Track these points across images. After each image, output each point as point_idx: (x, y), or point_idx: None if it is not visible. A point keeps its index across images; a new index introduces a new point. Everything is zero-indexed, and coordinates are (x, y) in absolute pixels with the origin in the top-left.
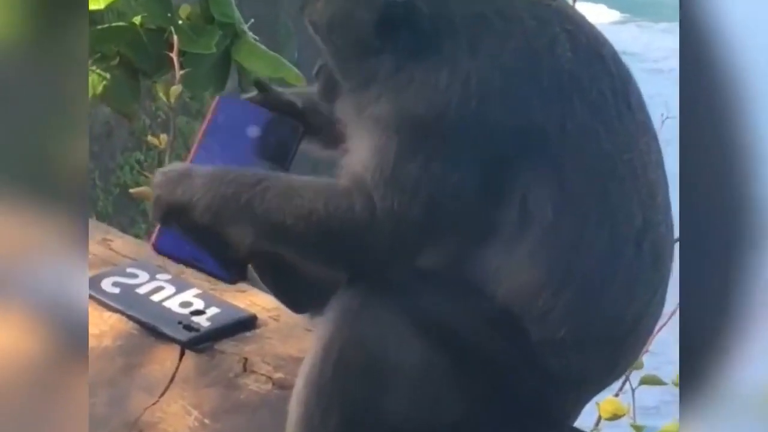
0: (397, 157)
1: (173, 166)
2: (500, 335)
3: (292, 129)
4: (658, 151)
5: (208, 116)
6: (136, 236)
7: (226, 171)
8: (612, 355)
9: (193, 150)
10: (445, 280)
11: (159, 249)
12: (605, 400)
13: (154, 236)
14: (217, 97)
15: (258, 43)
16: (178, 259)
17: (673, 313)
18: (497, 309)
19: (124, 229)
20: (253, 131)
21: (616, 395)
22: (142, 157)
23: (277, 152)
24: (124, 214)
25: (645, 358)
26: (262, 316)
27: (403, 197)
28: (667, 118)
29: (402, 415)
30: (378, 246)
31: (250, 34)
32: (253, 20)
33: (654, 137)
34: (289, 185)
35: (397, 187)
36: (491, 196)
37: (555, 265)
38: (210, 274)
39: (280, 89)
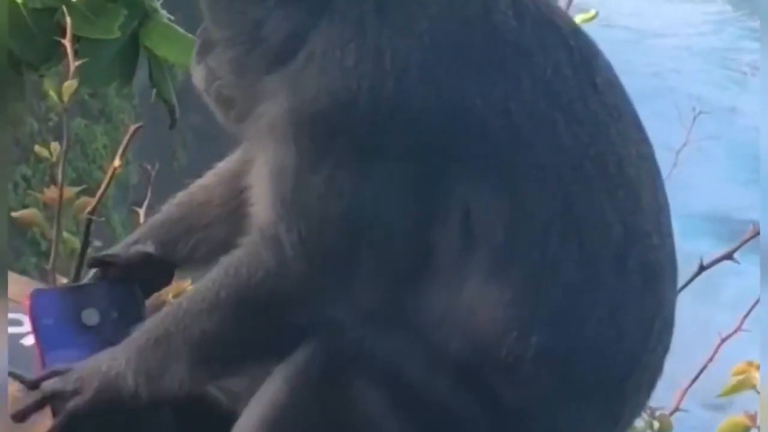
0: (297, 174)
1: (88, 366)
2: (466, 396)
3: (134, 296)
4: (641, 141)
5: (31, 317)
6: (23, 272)
7: (139, 331)
8: (609, 406)
9: (38, 357)
10: (391, 324)
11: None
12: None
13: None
14: (30, 293)
15: (173, 25)
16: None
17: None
18: (454, 362)
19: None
20: (90, 318)
21: None
22: (29, 172)
23: (128, 322)
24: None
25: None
26: None
27: (310, 223)
28: (700, 113)
29: None
30: (293, 292)
31: (163, 12)
32: None
33: (632, 123)
34: (195, 290)
35: (302, 213)
36: (421, 212)
37: (515, 299)
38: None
39: (121, 249)
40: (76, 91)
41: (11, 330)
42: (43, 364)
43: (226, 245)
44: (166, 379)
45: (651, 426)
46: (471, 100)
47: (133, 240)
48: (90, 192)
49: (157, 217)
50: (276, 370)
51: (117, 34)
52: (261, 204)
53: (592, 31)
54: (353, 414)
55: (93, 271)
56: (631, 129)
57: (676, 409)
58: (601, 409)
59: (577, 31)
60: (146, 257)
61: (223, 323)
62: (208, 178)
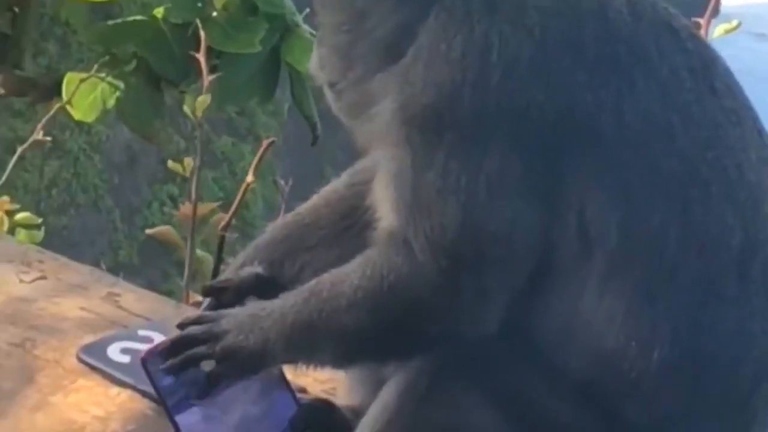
0: (413, 173)
1: (234, 313)
2: (588, 414)
3: None
4: (762, 146)
5: (150, 382)
6: (169, 294)
7: (282, 302)
8: (738, 421)
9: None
10: (510, 339)
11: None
12: None
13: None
14: (141, 359)
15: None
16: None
17: None
18: (574, 379)
19: (153, 285)
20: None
21: None
22: (176, 191)
23: None
24: (154, 266)
25: None
26: (313, 389)
27: (432, 223)
28: None
29: None
30: (428, 297)
31: (305, 27)
32: (308, 10)
33: (753, 128)
34: (333, 281)
35: (424, 213)
36: (539, 207)
37: (633, 308)
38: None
39: (231, 273)
40: (210, 106)
41: (142, 347)
42: (175, 427)
43: (332, 267)
44: (311, 362)
45: None
46: (581, 96)
47: (241, 262)
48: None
49: (263, 238)
50: (391, 378)
51: (258, 48)
52: (386, 208)
53: (745, 42)
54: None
55: (207, 300)
56: (752, 134)
57: None
58: (729, 425)
59: (694, 36)
60: (257, 278)
61: (359, 322)
62: (315, 200)
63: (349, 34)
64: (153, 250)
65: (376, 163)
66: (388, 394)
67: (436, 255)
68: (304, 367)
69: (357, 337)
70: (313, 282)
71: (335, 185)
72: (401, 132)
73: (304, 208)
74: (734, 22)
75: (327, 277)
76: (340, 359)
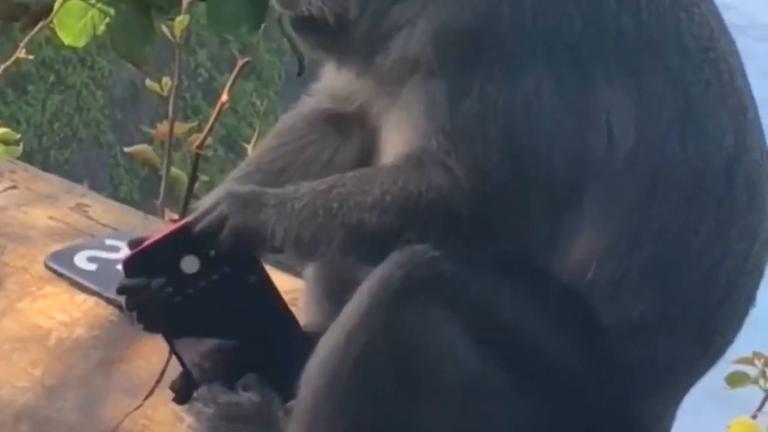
0: (450, 103)
1: (241, 189)
2: (566, 332)
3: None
4: (739, 57)
5: None
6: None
7: (296, 188)
8: (703, 330)
9: None
10: (508, 262)
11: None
12: (736, 421)
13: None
14: (123, 261)
15: None
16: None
17: None
18: (561, 294)
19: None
20: (190, 266)
21: (754, 417)
22: None
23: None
24: (155, 201)
25: None
26: None
27: (475, 149)
28: None
29: None
30: (468, 215)
31: None
32: None
33: (732, 38)
34: (358, 180)
35: (465, 140)
36: (575, 114)
37: (630, 206)
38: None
39: None
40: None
41: (108, 256)
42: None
43: None
44: (312, 247)
45: (764, 375)
46: (606, 0)
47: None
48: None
49: (234, 173)
50: (356, 292)
51: None
52: (417, 134)
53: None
54: (429, 341)
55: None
56: (732, 45)
57: None
58: (693, 335)
59: None
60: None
61: (382, 223)
62: (294, 119)
63: None
64: (155, 186)
65: (391, 94)
66: (354, 304)
67: (481, 179)
68: (296, 254)
69: (371, 232)
70: (332, 177)
71: (314, 102)
72: (434, 61)
73: (286, 128)
74: None
75: (350, 174)
76: (346, 248)
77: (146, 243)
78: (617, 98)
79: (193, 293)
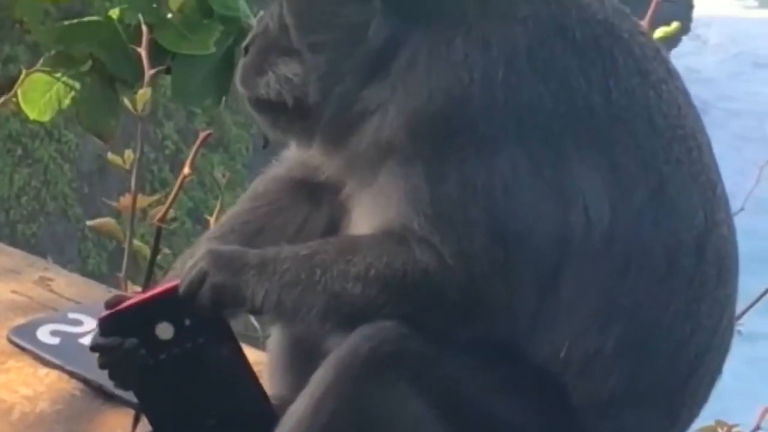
0: (429, 186)
1: (222, 247)
2: (535, 410)
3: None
4: (706, 133)
5: None
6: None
7: (277, 251)
8: (671, 403)
9: None
10: (479, 339)
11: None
12: None
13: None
14: (99, 319)
15: None
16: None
17: None
18: (531, 372)
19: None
20: (165, 332)
21: None
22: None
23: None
24: (118, 274)
25: None
26: None
27: (457, 231)
28: None
29: None
30: (454, 297)
31: None
32: (262, 13)
33: (698, 114)
34: (342, 249)
35: (446, 223)
36: (553, 194)
37: (605, 286)
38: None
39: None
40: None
41: (71, 329)
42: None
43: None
44: (293, 312)
45: None
46: (576, 80)
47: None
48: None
49: (209, 233)
50: (323, 363)
51: (212, 50)
52: (400, 216)
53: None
54: (394, 415)
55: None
56: (698, 119)
57: (757, 428)
58: (662, 408)
59: (638, 22)
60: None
61: (365, 295)
62: (267, 183)
63: (339, 50)
64: (122, 259)
65: (365, 176)
66: (321, 374)
67: (465, 261)
68: (275, 317)
69: (353, 302)
70: (314, 242)
71: (283, 167)
72: (409, 145)
73: (239, 205)
74: (674, 25)
75: (333, 240)
76: (326, 315)
77: (124, 304)
78: (592, 177)
79: (165, 359)
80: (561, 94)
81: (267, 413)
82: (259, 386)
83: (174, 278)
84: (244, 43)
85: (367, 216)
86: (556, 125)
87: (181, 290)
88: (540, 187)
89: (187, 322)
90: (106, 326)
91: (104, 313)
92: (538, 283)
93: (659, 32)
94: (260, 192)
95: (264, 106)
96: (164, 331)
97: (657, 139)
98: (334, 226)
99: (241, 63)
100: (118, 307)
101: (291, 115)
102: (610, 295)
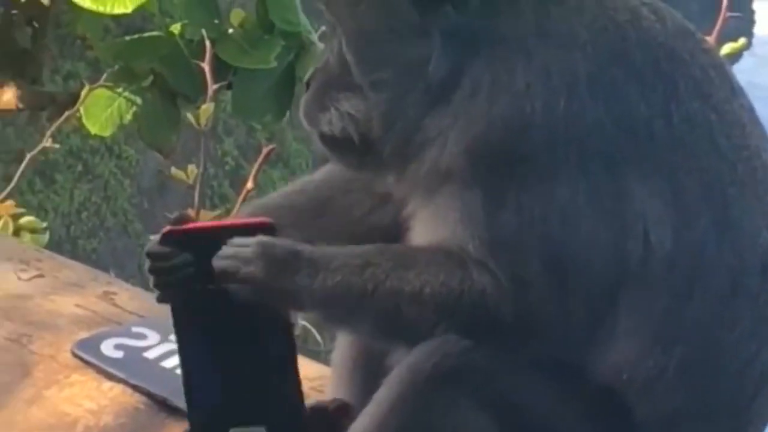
0: (487, 213)
1: (279, 243)
2: (598, 426)
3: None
4: None
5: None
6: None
7: (330, 256)
8: (737, 421)
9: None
10: (542, 362)
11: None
12: None
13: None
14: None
15: None
16: None
17: None
18: (594, 390)
19: None
20: None
21: None
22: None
23: None
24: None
25: None
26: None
27: (514, 257)
28: None
29: None
30: (511, 320)
31: (321, 45)
32: (324, 28)
33: (764, 132)
34: (396, 263)
35: (503, 249)
36: (611, 220)
37: (668, 308)
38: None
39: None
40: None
41: (135, 343)
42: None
43: None
44: (341, 324)
45: None
46: (636, 105)
47: None
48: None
49: (264, 202)
50: (388, 376)
51: (273, 64)
52: (457, 239)
53: None
54: (454, 428)
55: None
56: (764, 138)
57: None
58: (728, 427)
59: (704, 39)
60: None
61: (419, 314)
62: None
63: (402, 85)
64: None
65: (419, 205)
66: (384, 391)
67: (522, 287)
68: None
69: (406, 321)
70: (366, 249)
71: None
72: (468, 172)
73: (317, 173)
74: (741, 41)
75: (386, 252)
76: (377, 332)
77: (192, 225)
78: (653, 203)
79: (214, 290)
80: (622, 121)
81: (297, 412)
82: (298, 378)
83: (248, 216)
84: (305, 78)
85: (424, 235)
86: (618, 152)
87: (220, 269)
88: (597, 215)
89: None
90: (167, 239)
91: (169, 228)
92: (593, 308)
93: (726, 48)
94: (336, 170)
95: (329, 141)
96: None
97: (720, 161)
98: (397, 229)
99: (304, 99)
100: (185, 226)
101: (358, 150)
102: (672, 317)
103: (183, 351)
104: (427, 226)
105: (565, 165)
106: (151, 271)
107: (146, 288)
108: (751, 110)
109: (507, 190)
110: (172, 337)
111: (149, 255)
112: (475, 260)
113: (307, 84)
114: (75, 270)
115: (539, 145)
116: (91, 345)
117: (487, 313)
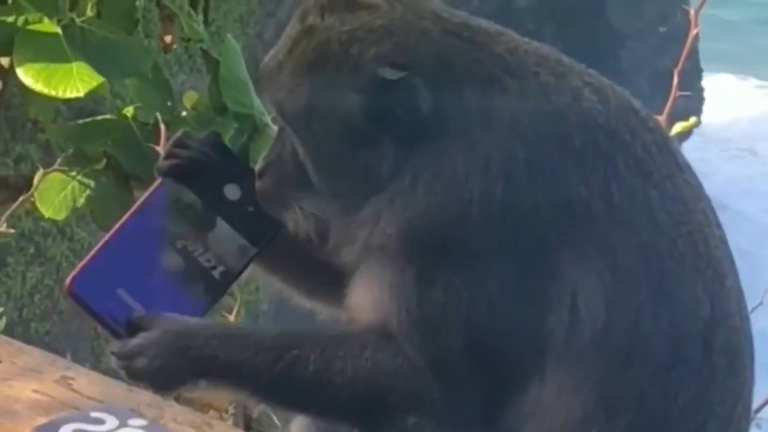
0: (415, 289)
1: (178, 336)
2: None
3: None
4: (719, 224)
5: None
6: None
7: (242, 335)
8: None
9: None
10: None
11: (75, 292)
12: None
13: (74, 273)
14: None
15: None
16: (91, 312)
17: None
18: None
19: None
20: (233, 192)
21: None
22: None
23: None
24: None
25: None
26: None
27: (436, 340)
28: None
29: None
30: (428, 404)
31: (274, 127)
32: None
33: (711, 206)
34: (324, 344)
35: (426, 330)
36: (536, 303)
37: (606, 383)
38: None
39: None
40: None
41: (94, 429)
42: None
43: None
44: (238, 388)
45: None
46: (575, 188)
47: None
48: None
49: None
50: None
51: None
52: (384, 311)
53: None
54: None
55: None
56: (710, 211)
57: None
58: None
59: (651, 115)
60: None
61: (351, 398)
62: None
63: (351, 189)
64: None
65: (355, 275)
66: None
67: (443, 365)
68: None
69: (339, 409)
70: (283, 333)
71: None
72: (400, 251)
73: None
74: (692, 119)
75: (309, 338)
76: (303, 410)
77: None
78: (587, 280)
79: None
80: (559, 204)
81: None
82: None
83: None
84: (257, 168)
85: (358, 298)
86: (553, 236)
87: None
88: (525, 299)
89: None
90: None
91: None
92: (517, 383)
93: (677, 127)
94: None
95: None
96: (231, 191)
97: (660, 236)
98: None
99: (259, 190)
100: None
101: (313, 242)
102: (611, 386)
103: (126, 230)
104: (362, 292)
105: (498, 250)
106: (170, 155)
107: (103, 372)
108: (697, 186)
109: (438, 271)
110: (131, 422)
111: (169, 154)
112: (393, 342)
113: (260, 174)
114: (32, 355)
115: (474, 232)
116: (49, 431)
117: (414, 391)
